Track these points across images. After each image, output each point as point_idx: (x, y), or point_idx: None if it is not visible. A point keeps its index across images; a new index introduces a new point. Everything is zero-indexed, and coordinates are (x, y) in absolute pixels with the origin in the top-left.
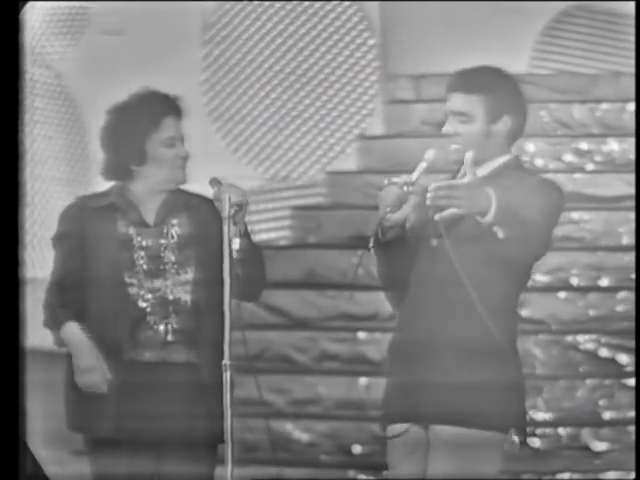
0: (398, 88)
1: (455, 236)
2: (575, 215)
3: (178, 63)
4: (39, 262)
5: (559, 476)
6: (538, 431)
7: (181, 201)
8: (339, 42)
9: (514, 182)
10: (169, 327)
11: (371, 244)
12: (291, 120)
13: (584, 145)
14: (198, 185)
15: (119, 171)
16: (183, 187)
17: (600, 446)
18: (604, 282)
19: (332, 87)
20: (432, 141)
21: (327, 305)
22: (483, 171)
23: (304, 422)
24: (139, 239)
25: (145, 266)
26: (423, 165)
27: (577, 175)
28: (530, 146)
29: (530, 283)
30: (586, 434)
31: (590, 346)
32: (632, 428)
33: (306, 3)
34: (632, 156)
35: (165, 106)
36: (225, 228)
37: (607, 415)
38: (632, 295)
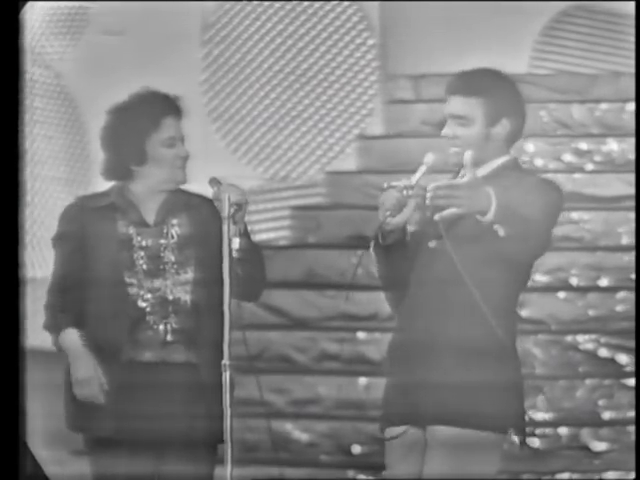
0: (398, 88)
1: (455, 236)
2: (574, 215)
3: (178, 63)
4: (39, 262)
5: (559, 476)
6: (538, 431)
7: (181, 201)
8: (339, 42)
9: (513, 182)
10: (168, 327)
11: (371, 248)
12: (291, 120)
13: (583, 145)
14: (198, 185)
15: (119, 171)
16: (183, 187)
17: (600, 446)
18: (603, 282)
19: (332, 87)
20: (432, 141)
21: (327, 305)
22: (482, 172)
23: (304, 422)
24: (139, 239)
25: (145, 266)
26: (423, 169)
27: (576, 175)
28: (530, 146)
29: (530, 283)
30: (586, 434)
31: (590, 346)
32: (632, 428)
33: (305, 3)
34: (631, 156)
35: (165, 106)
36: (225, 228)
37: (606, 415)
38: (631, 295)
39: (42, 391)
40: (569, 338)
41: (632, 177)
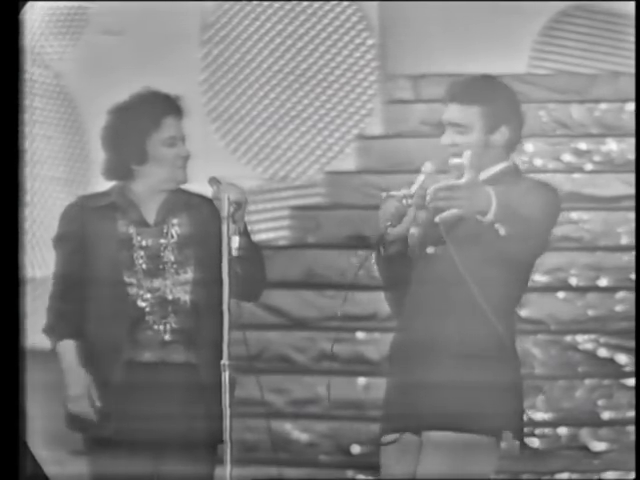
0: (397, 88)
1: (456, 237)
2: (574, 215)
3: (177, 63)
4: (38, 262)
5: (558, 476)
6: (537, 431)
7: (181, 201)
8: (338, 42)
9: (510, 186)
10: (168, 327)
11: (374, 260)
12: (290, 120)
13: (583, 145)
14: (197, 185)
15: (120, 171)
16: (183, 187)
17: (599, 446)
18: (603, 282)
19: (331, 87)
20: (431, 141)
21: (326, 305)
22: (481, 178)
23: (303, 422)
24: (139, 238)
25: (144, 266)
26: (421, 178)
27: (576, 175)
28: (529, 146)
29: (529, 283)
30: (585, 434)
31: (589, 346)
32: (631, 428)
33: (305, 3)
34: (631, 156)
35: (166, 106)
36: (224, 227)
37: (606, 415)
38: (631, 295)
39: (42, 391)
40: (568, 338)
41: (631, 177)
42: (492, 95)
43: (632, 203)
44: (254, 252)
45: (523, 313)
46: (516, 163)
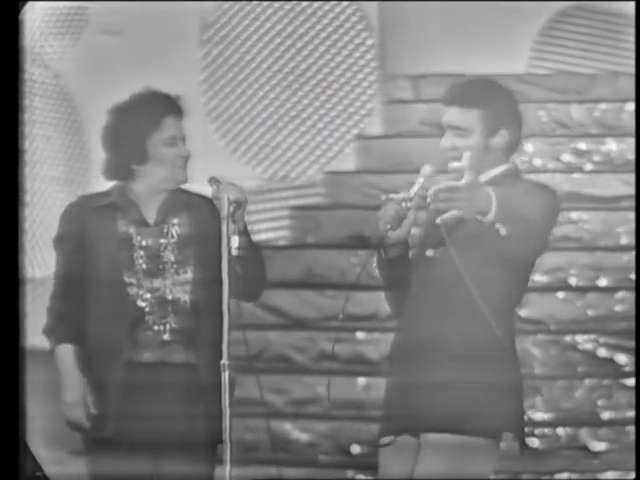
0: (397, 88)
1: (456, 238)
2: (574, 215)
3: (177, 63)
4: (38, 262)
5: (558, 476)
6: (537, 431)
7: (182, 200)
8: (338, 42)
9: (510, 187)
10: (167, 327)
11: (375, 263)
12: (290, 120)
13: (582, 145)
14: (197, 185)
15: (120, 170)
16: (183, 187)
17: (599, 446)
18: (603, 282)
19: (331, 87)
20: (431, 141)
21: (326, 305)
22: (481, 180)
23: (303, 422)
24: (139, 238)
25: (144, 266)
26: (420, 181)
27: (575, 175)
28: (529, 146)
29: (529, 283)
30: (585, 434)
31: (589, 346)
32: (631, 428)
33: (304, 3)
34: (630, 156)
35: (166, 106)
36: (224, 227)
37: (606, 415)
38: (631, 295)
39: (42, 391)
40: (568, 338)
41: (631, 177)
42: (492, 98)
43: (632, 203)
44: (254, 252)
45: (523, 313)
46: (516, 165)
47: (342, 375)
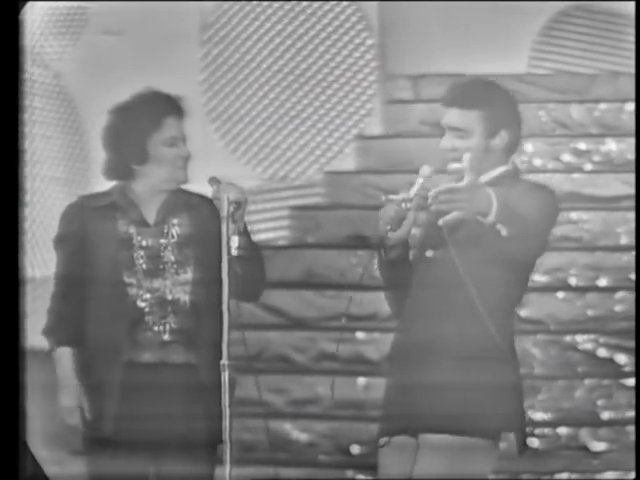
0: (397, 88)
1: (457, 239)
2: (573, 215)
3: (176, 63)
4: (38, 262)
5: (557, 476)
6: (537, 431)
7: (182, 201)
8: (338, 42)
9: (509, 188)
10: (167, 327)
11: (376, 265)
12: (289, 120)
13: (582, 145)
14: (197, 185)
15: (121, 170)
16: (184, 187)
17: (599, 446)
18: (602, 282)
19: (331, 87)
20: (431, 141)
21: (326, 305)
22: (481, 181)
23: (303, 422)
24: (139, 238)
25: (144, 266)
26: (420, 181)
27: (575, 175)
28: (528, 146)
29: (529, 283)
30: (584, 434)
31: (588, 346)
32: (631, 428)
33: (304, 3)
34: (630, 156)
35: (167, 106)
36: (224, 227)
37: (605, 415)
38: (630, 295)
39: (42, 391)
40: (568, 338)
41: (631, 177)
42: (492, 99)
43: (632, 203)
44: (254, 252)
45: (523, 313)
46: (516, 166)
47: (342, 375)
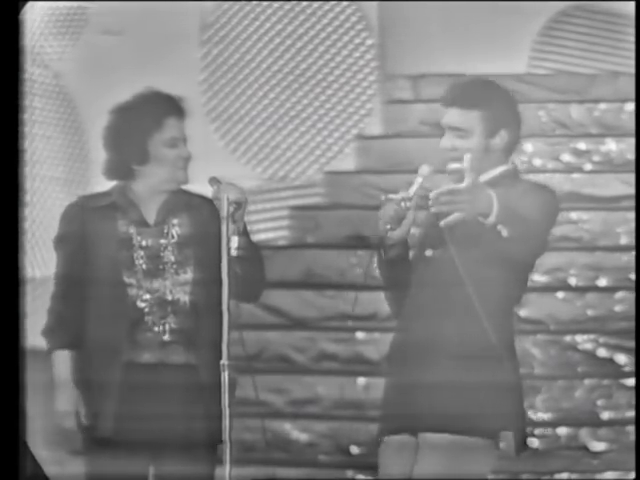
0: (396, 88)
1: (458, 239)
2: (573, 215)
3: (176, 63)
4: (38, 262)
5: (557, 476)
6: (537, 431)
7: (182, 201)
8: (337, 42)
9: (509, 188)
10: (167, 327)
11: (375, 264)
12: (289, 120)
13: (582, 145)
14: (196, 185)
15: (121, 170)
16: (184, 187)
17: (598, 446)
18: (602, 282)
19: (330, 87)
20: (430, 141)
21: (326, 305)
22: (481, 180)
23: (303, 422)
24: (139, 238)
25: (144, 266)
26: (419, 180)
27: (575, 175)
28: (528, 146)
29: (529, 283)
30: (584, 434)
31: (588, 346)
32: (631, 428)
33: (304, 3)
34: (630, 156)
35: (168, 106)
36: (223, 227)
37: (605, 415)
38: (630, 295)
39: (42, 391)
40: (568, 338)
41: (631, 177)
42: (492, 99)
43: (631, 203)
44: (253, 252)
45: (522, 313)
46: (515, 165)
47: (342, 375)
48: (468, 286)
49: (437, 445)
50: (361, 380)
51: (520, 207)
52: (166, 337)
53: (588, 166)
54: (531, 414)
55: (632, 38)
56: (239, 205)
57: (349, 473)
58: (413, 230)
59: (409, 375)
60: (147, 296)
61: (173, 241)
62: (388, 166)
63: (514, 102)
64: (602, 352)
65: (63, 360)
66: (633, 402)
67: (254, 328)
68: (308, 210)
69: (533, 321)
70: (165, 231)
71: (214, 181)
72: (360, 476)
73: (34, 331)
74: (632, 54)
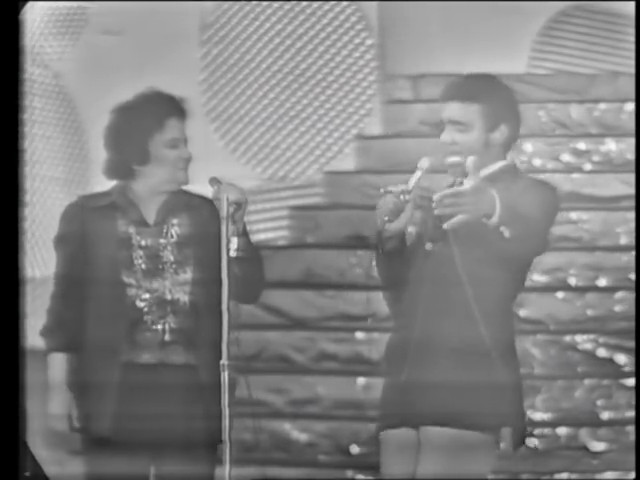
0: (396, 88)
1: (459, 240)
2: (573, 215)
3: (176, 63)
4: (38, 262)
5: (557, 476)
6: (536, 431)
7: (182, 201)
8: (337, 42)
9: (509, 184)
10: (167, 327)
11: (373, 261)
12: (289, 120)
13: (582, 145)
14: (197, 185)
15: (121, 170)
16: (184, 187)
17: (598, 446)
18: (602, 282)
19: (330, 87)
20: (430, 141)
21: (325, 305)
22: (481, 175)
23: (302, 422)
24: (138, 238)
25: (144, 266)
26: (418, 174)
27: (575, 175)
28: (528, 146)
29: (528, 283)
30: (584, 434)
31: (588, 346)
32: (630, 428)
33: (304, 3)
34: (630, 156)
35: (169, 107)
36: (223, 228)
37: (605, 415)
38: (630, 295)
39: (42, 391)
40: (568, 338)
41: (631, 177)
42: (492, 94)
43: (631, 203)
44: (253, 253)
45: (522, 313)
46: (514, 162)
47: (342, 375)
48: (465, 283)
49: (438, 443)
50: (361, 380)
51: (521, 205)
52: (166, 337)
53: (588, 166)
54: (531, 414)
55: (632, 38)
56: (239, 205)
57: (349, 473)
58: (411, 228)
59: (408, 373)
60: (146, 296)
61: (172, 241)
62: (388, 166)
63: (514, 97)
64: (602, 352)
65: (59, 363)
66: (633, 402)
67: (254, 328)
68: (308, 210)
69: (533, 321)
70: (164, 231)
71: (214, 181)
72: (360, 476)
73: (34, 331)
74: (632, 54)
